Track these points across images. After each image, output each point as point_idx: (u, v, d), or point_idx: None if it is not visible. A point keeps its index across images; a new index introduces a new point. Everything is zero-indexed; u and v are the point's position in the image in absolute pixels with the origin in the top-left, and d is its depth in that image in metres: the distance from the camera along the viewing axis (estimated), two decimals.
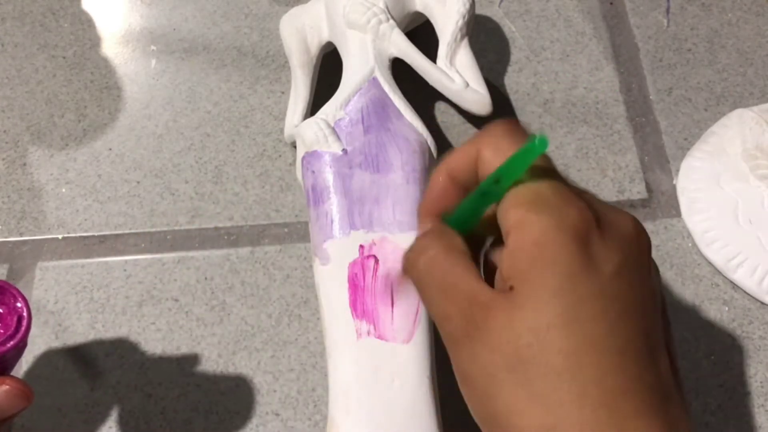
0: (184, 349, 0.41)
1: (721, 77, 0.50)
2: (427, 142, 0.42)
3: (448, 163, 0.28)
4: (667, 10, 0.53)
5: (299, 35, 0.45)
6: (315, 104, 0.44)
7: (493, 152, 0.26)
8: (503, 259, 0.25)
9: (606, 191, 0.46)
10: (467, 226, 0.27)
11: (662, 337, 0.25)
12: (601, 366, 0.23)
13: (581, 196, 0.26)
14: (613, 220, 0.25)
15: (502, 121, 0.27)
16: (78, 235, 0.44)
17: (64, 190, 0.46)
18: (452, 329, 0.25)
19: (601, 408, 0.23)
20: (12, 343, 0.30)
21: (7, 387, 0.30)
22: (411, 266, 0.27)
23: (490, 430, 0.25)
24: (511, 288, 0.24)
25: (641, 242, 0.26)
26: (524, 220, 0.24)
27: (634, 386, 0.23)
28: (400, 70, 0.44)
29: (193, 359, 0.41)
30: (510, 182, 0.25)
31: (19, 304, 0.31)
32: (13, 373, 0.32)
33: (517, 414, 0.24)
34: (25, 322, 0.31)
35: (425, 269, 0.26)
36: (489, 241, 0.28)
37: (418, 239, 0.28)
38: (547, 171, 0.26)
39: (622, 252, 0.25)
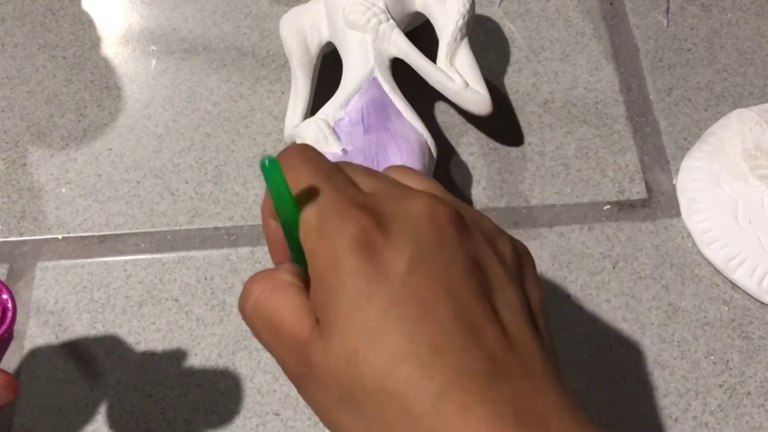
0: (184, 349, 0.41)
1: (720, 77, 0.50)
2: (427, 142, 0.41)
3: (263, 206, 0.27)
4: (667, 10, 0.53)
5: (299, 35, 0.45)
6: (315, 104, 0.44)
7: (292, 179, 0.25)
8: (311, 290, 0.24)
9: (606, 191, 0.46)
10: (302, 261, 0.26)
11: (482, 305, 0.23)
12: (412, 373, 0.22)
13: (362, 198, 0.25)
14: (399, 211, 0.24)
15: (292, 145, 0.26)
16: (78, 235, 0.44)
17: (64, 190, 0.46)
18: (286, 369, 0.25)
19: (427, 415, 0.22)
20: None
21: None
22: (241, 311, 0.26)
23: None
24: (317, 320, 0.24)
25: (437, 220, 0.24)
26: (312, 252, 0.24)
27: (456, 381, 0.22)
28: (400, 70, 0.44)
29: (193, 359, 0.41)
30: (284, 211, 0.24)
31: (4, 296, 0.31)
32: (14, 374, 0.32)
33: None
34: (10, 314, 0.31)
35: (253, 315, 0.25)
36: None
37: (245, 285, 0.26)
38: (321, 194, 0.25)
39: (412, 243, 0.23)
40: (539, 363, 0.23)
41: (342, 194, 0.24)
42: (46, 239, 0.44)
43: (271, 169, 0.23)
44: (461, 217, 0.25)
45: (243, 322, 0.42)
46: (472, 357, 0.22)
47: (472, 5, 0.45)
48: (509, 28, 0.52)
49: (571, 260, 0.44)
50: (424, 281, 0.23)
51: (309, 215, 0.24)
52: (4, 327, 0.31)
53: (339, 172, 0.26)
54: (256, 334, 0.26)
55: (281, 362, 0.25)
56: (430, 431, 0.21)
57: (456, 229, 0.25)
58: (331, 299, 0.23)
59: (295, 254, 0.26)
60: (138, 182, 0.46)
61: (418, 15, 0.46)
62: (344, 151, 0.40)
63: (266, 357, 0.41)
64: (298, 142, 0.42)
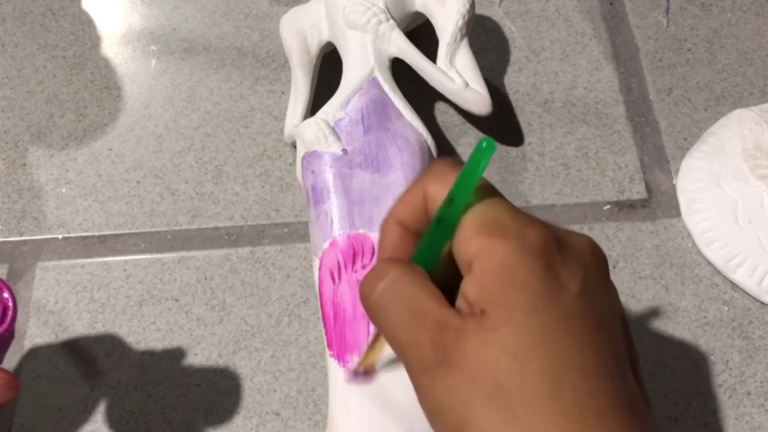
0: (184, 349, 0.41)
1: (720, 77, 0.50)
2: (427, 142, 0.42)
3: (394, 212, 0.27)
4: (667, 10, 0.53)
5: (299, 35, 0.45)
6: (315, 104, 0.44)
7: (440, 186, 0.26)
8: (468, 285, 0.24)
9: (606, 191, 0.46)
10: (429, 264, 0.26)
11: (626, 354, 0.25)
12: (578, 387, 0.23)
13: (535, 218, 0.26)
14: (570, 241, 0.25)
15: (441, 160, 0.27)
16: (78, 235, 0.44)
17: (64, 190, 0.46)
18: (421, 357, 0.24)
19: (583, 429, 0.22)
20: None
21: None
22: (369, 291, 0.26)
23: None
24: (483, 312, 0.24)
25: (599, 261, 0.26)
26: (488, 246, 0.24)
27: (609, 407, 0.23)
28: (400, 70, 0.44)
29: (193, 359, 0.41)
30: (464, 198, 0.25)
31: (5, 295, 0.31)
32: (14, 373, 0.32)
33: None
34: (10, 313, 0.31)
35: (387, 293, 0.25)
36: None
37: (372, 268, 0.26)
38: (496, 196, 0.26)
39: (583, 271, 0.25)
40: (650, 410, 0.25)
41: (514, 206, 0.26)
42: (46, 239, 0.44)
43: (488, 150, 0.25)
44: (608, 268, 0.27)
45: (243, 322, 0.42)
46: (621, 394, 0.23)
47: (472, 5, 0.45)
48: (509, 28, 0.52)
49: None
50: (591, 308, 0.24)
51: (481, 217, 0.25)
52: (4, 325, 0.31)
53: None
54: (384, 313, 0.25)
55: (412, 345, 0.24)
56: None
57: (608, 277, 0.26)
58: (506, 295, 0.23)
59: (423, 255, 0.26)
60: (138, 182, 0.46)
61: (418, 15, 0.46)
62: (344, 151, 0.40)
63: (266, 357, 0.41)
64: (298, 141, 0.42)
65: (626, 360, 0.25)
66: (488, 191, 0.26)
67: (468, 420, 0.23)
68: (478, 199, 0.25)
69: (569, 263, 0.24)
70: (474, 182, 0.25)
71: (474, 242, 0.24)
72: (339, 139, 0.41)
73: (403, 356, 0.25)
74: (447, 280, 0.26)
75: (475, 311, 0.24)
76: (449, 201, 0.25)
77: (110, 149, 0.47)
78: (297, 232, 0.44)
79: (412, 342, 0.24)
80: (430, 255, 0.26)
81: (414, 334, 0.24)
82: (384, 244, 0.27)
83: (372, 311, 0.26)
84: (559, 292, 0.24)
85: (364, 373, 0.31)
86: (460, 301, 0.25)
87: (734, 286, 0.43)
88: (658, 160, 0.47)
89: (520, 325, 0.23)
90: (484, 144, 0.25)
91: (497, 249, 0.24)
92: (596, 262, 0.26)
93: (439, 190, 0.26)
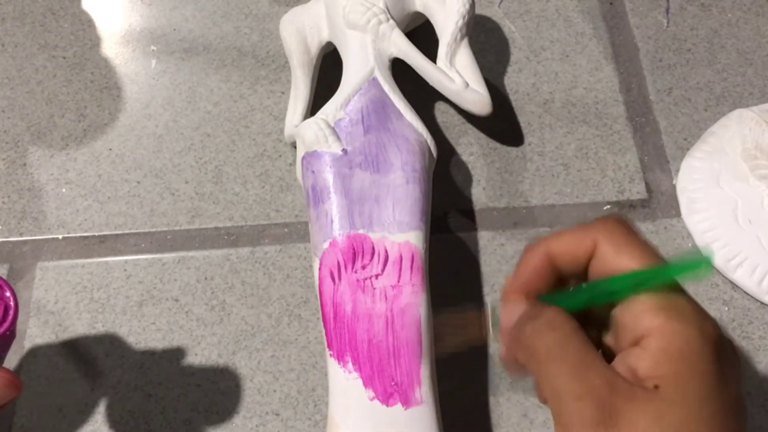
0: (184, 349, 0.41)
1: (720, 77, 0.50)
2: (427, 142, 0.42)
3: (550, 245, 0.28)
4: (667, 10, 0.53)
5: (299, 35, 0.45)
6: (315, 104, 0.44)
7: (613, 249, 0.27)
8: (639, 359, 0.26)
9: (606, 191, 0.46)
10: (570, 310, 0.27)
11: None
12: None
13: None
14: (725, 338, 0.27)
15: (615, 217, 0.28)
16: (78, 235, 0.44)
17: (64, 190, 0.46)
18: (584, 413, 0.25)
19: None
20: None
21: None
22: (535, 338, 0.27)
23: None
24: (656, 387, 0.25)
25: (740, 361, 0.27)
26: (666, 327, 0.25)
27: None
28: (400, 70, 0.44)
29: (193, 359, 0.41)
30: (652, 289, 0.26)
31: (7, 294, 0.31)
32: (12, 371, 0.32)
33: None
34: (12, 312, 0.31)
35: (558, 345, 0.26)
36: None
37: (533, 313, 0.27)
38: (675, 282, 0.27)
39: (737, 371, 0.27)
40: None
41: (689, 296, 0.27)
42: (46, 239, 0.44)
43: (704, 271, 0.26)
44: None
45: (243, 322, 0.42)
46: None
47: (472, 5, 0.45)
48: (509, 28, 0.52)
49: None
50: (741, 406, 0.26)
51: (661, 296, 0.26)
52: (6, 324, 0.31)
53: None
54: (552, 363, 0.26)
55: (576, 398, 0.25)
56: None
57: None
58: (684, 377, 0.25)
59: (572, 305, 0.27)
60: (138, 182, 0.46)
61: (418, 15, 0.46)
62: (344, 151, 0.40)
63: (266, 357, 0.41)
64: (298, 141, 0.42)
65: None
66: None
67: None
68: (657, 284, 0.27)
69: (729, 358, 0.26)
70: (666, 283, 0.26)
71: (649, 318, 0.26)
72: (339, 139, 0.41)
73: (562, 408, 0.26)
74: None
75: (647, 385, 0.25)
76: (636, 286, 0.26)
77: (110, 149, 0.47)
78: (297, 232, 0.44)
79: (579, 396, 0.25)
80: (577, 306, 0.27)
81: (582, 388, 0.25)
82: (525, 267, 0.29)
83: (538, 359, 0.27)
84: (726, 387, 0.25)
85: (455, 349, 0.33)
86: (621, 369, 0.26)
87: (734, 286, 0.43)
88: (658, 160, 0.47)
89: (694, 409, 0.24)
90: (706, 263, 0.26)
91: (678, 332, 0.25)
92: (739, 361, 0.27)
93: (611, 252, 0.27)
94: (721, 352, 0.26)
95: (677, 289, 0.27)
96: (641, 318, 0.26)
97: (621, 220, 0.28)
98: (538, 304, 0.28)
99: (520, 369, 0.29)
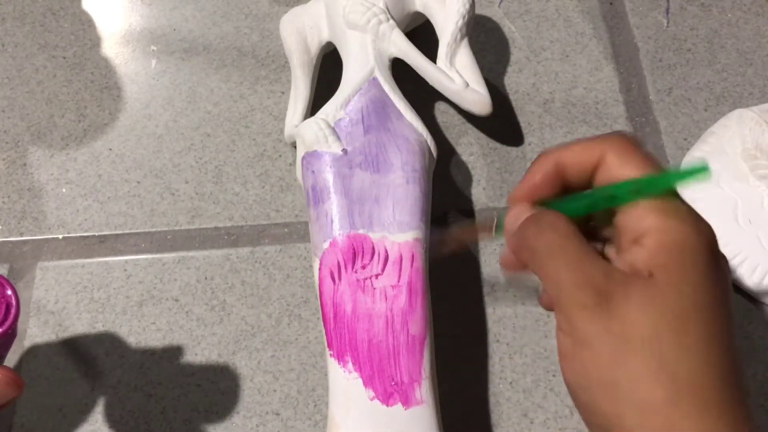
0: (184, 349, 0.41)
1: (720, 77, 0.50)
2: (427, 142, 0.42)
3: (560, 155, 0.30)
4: (667, 10, 0.53)
5: (299, 35, 0.45)
6: (315, 104, 0.44)
7: (619, 160, 0.29)
8: (637, 255, 0.27)
9: None
10: (572, 215, 0.29)
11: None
12: (723, 357, 0.26)
13: None
14: (719, 250, 0.29)
15: (623, 132, 0.30)
16: (78, 235, 0.44)
17: (64, 190, 0.46)
18: (582, 297, 0.27)
19: (720, 392, 0.25)
20: (0, 330, 0.31)
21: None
22: (536, 238, 0.28)
23: (602, 394, 0.27)
24: (651, 274, 0.26)
25: (730, 276, 0.29)
26: (664, 225, 0.27)
27: (740, 381, 0.26)
28: (400, 70, 0.44)
29: (193, 359, 0.41)
30: (651, 195, 0.28)
31: (8, 292, 0.31)
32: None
33: (644, 380, 0.26)
34: (13, 310, 0.31)
35: (557, 242, 0.28)
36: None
37: (536, 216, 0.29)
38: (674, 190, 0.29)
39: (729, 274, 0.28)
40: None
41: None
42: (47, 239, 0.44)
43: (702, 176, 0.28)
44: None
45: (243, 322, 0.42)
46: (743, 378, 0.27)
47: (472, 5, 0.45)
48: (509, 28, 0.52)
49: None
50: (730, 307, 0.27)
51: (662, 199, 0.28)
52: (8, 323, 0.31)
53: None
54: (551, 256, 0.28)
55: (575, 286, 0.27)
56: (725, 409, 0.26)
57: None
58: (678, 267, 0.27)
59: (574, 211, 0.29)
60: (138, 182, 0.46)
61: (418, 15, 0.46)
62: (344, 151, 0.40)
63: (266, 357, 0.41)
64: (298, 141, 0.42)
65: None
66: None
67: (620, 356, 0.26)
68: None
69: (723, 263, 0.28)
70: (668, 188, 0.28)
71: (649, 221, 0.27)
72: (339, 139, 0.41)
73: (562, 295, 0.27)
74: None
75: (642, 274, 0.27)
76: (636, 192, 0.28)
77: (110, 149, 0.47)
78: (297, 232, 0.44)
79: (577, 284, 0.27)
80: (579, 212, 0.29)
81: (580, 277, 0.27)
82: (534, 174, 0.30)
83: (540, 256, 0.28)
84: (717, 280, 0.27)
85: (453, 248, 0.35)
86: (620, 265, 0.28)
87: (734, 286, 0.43)
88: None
89: (686, 293, 0.26)
90: (705, 169, 0.27)
91: (673, 229, 0.27)
92: (730, 280, 0.29)
93: (617, 164, 0.29)
94: (716, 252, 0.27)
95: (675, 196, 0.28)
96: (640, 220, 0.27)
97: (629, 135, 0.30)
98: (542, 209, 0.30)
99: (521, 269, 0.31)
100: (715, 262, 0.27)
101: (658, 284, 0.26)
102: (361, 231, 0.38)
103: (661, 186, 0.28)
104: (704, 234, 0.27)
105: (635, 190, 0.28)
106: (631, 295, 0.26)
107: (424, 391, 0.36)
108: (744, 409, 0.26)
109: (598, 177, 0.29)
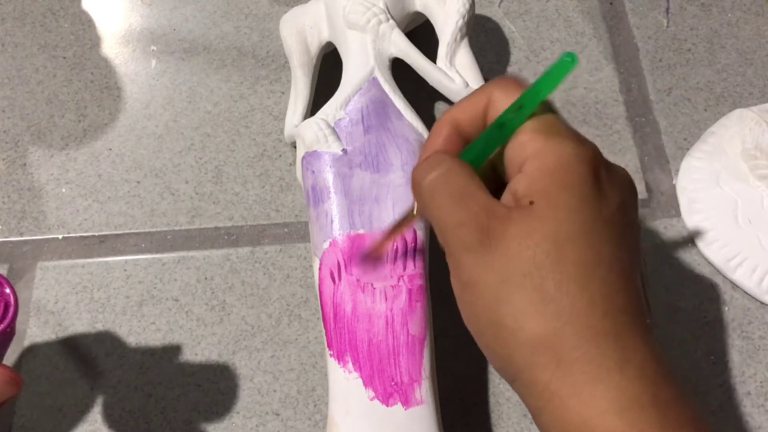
0: (184, 349, 0.41)
1: (720, 77, 0.50)
2: None
3: (452, 114, 0.30)
4: (667, 10, 0.53)
5: (299, 35, 0.45)
6: (315, 104, 0.44)
7: (506, 95, 0.28)
8: (518, 182, 0.27)
9: None
10: (475, 165, 0.28)
11: (641, 267, 0.28)
12: (607, 282, 0.25)
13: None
14: (613, 166, 0.28)
15: (507, 74, 0.30)
16: (78, 235, 0.44)
17: (64, 190, 0.46)
18: (466, 238, 0.26)
19: (605, 318, 0.25)
20: None
21: None
22: (422, 176, 0.28)
23: (492, 336, 0.26)
24: (531, 203, 0.26)
25: (633, 191, 0.29)
26: (544, 148, 0.27)
27: (631, 305, 0.26)
28: (400, 70, 0.44)
29: (193, 359, 0.41)
30: (534, 105, 0.27)
31: (6, 290, 0.31)
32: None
33: (527, 316, 0.25)
34: (12, 309, 0.31)
35: (440, 180, 0.27)
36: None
37: (427, 158, 0.29)
38: (556, 112, 0.28)
39: (621, 192, 0.27)
40: (648, 307, 0.28)
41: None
42: (46, 239, 0.44)
43: (571, 64, 0.28)
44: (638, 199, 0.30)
45: (243, 322, 0.42)
46: (639, 297, 0.26)
47: (472, 5, 0.45)
48: (509, 28, 0.52)
49: None
50: (626, 222, 0.27)
51: (542, 123, 0.27)
52: (6, 322, 0.31)
53: None
54: (436, 196, 0.27)
55: (458, 225, 0.27)
56: (608, 334, 0.25)
57: (637, 202, 0.30)
58: (556, 191, 0.26)
59: (473, 154, 0.28)
60: (138, 182, 0.46)
61: (418, 15, 0.46)
62: (344, 151, 0.40)
63: (266, 357, 0.41)
64: (298, 141, 0.42)
65: (639, 271, 0.28)
66: (551, 107, 0.28)
67: (503, 294, 0.26)
68: (541, 111, 0.28)
69: (611, 181, 0.27)
70: (548, 91, 0.28)
71: (531, 144, 0.27)
72: (339, 139, 0.41)
73: (447, 236, 0.27)
74: (486, 185, 0.28)
75: (524, 203, 0.26)
76: (519, 107, 0.27)
77: (110, 149, 0.47)
78: (297, 232, 0.44)
79: (460, 223, 0.26)
80: (479, 156, 0.28)
81: (462, 216, 0.26)
82: (433, 140, 0.30)
83: (423, 194, 0.28)
84: (601, 200, 0.26)
85: (374, 259, 0.35)
86: (506, 198, 0.27)
87: (734, 286, 0.43)
88: (658, 160, 0.47)
89: (564, 219, 0.26)
90: (569, 58, 0.27)
91: (553, 151, 0.26)
92: (631, 189, 0.28)
93: (503, 98, 0.28)
94: (600, 171, 0.27)
95: (559, 119, 0.28)
96: (523, 146, 0.27)
97: (515, 76, 0.30)
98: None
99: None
100: (598, 183, 0.26)
101: (537, 212, 0.26)
102: (361, 231, 0.38)
103: (541, 91, 0.28)
104: (585, 155, 0.27)
105: (518, 108, 0.27)
106: (509, 228, 0.26)
107: (424, 391, 0.36)
108: (637, 334, 0.25)
109: (489, 116, 0.29)
